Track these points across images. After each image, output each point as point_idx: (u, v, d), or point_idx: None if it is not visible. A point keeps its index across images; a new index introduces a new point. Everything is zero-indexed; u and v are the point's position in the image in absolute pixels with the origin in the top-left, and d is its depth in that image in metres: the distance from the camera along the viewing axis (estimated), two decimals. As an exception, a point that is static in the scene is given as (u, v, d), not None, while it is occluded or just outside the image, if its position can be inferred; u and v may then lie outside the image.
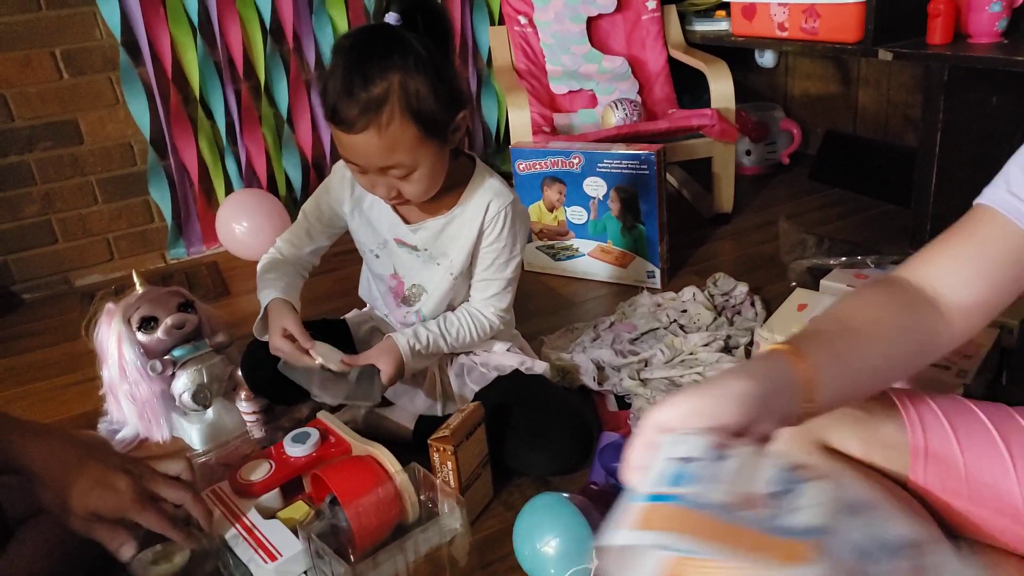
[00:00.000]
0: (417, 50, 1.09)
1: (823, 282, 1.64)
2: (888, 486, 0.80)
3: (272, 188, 2.43)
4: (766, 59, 2.48)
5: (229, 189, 2.39)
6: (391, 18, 1.11)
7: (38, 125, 2.15)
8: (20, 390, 1.77)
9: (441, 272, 1.31)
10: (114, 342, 1.44)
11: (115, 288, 1.53)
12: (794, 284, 1.71)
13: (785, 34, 2.08)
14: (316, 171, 2.50)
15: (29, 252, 2.25)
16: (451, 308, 1.35)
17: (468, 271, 1.32)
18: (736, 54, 2.32)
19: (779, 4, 2.06)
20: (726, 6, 2.34)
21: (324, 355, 1.24)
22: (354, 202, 1.32)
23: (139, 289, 1.51)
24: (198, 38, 2.20)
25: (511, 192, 1.27)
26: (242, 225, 2.26)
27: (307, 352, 1.23)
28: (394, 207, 1.28)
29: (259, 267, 1.36)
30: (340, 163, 1.30)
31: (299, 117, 2.41)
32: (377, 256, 1.35)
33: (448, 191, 1.25)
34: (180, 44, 2.20)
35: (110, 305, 1.49)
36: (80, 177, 2.24)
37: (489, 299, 1.31)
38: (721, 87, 2.11)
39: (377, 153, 1.11)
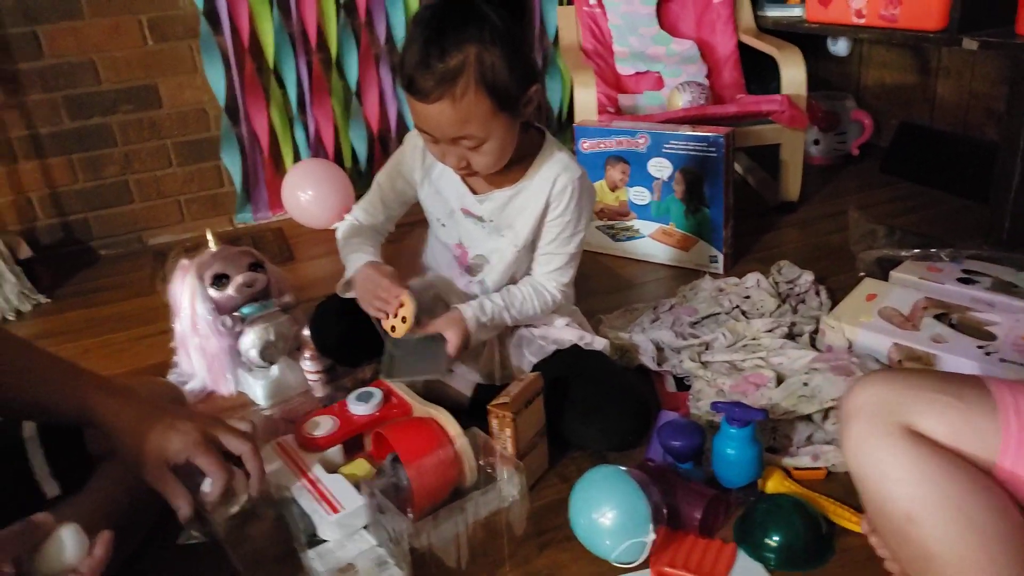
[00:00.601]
0: (494, 22, 1.09)
1: (893, 273, 1.61)
2: (971, 472, 0.80)
3: (338, 159, 2.47)
4: (839, 47, 2.42)
5: (296, 158, 2.44)
6: None
7: (122, 89, 2.23)
8: (98, 340, 1.85)
9: (505, 243, 1.32)
10: (187, 297, 1.49)
11: (189, 245, 1.59)
12: (862, 274, 1.68)
13: (862, 21, 2.03)
14: (381, 144, 2.53)
15: (108, 211, 2.34)
16: (513, 281, 1.36)
17: (532, 244, 1.33)
18: (808, 41, 2.27)
19: (859, -11, 2.01)
20: (802, -9, 2.29)
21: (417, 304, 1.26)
22: (424, 171, 1.34)
23: (212, 247, 1.56)
24: (275, 9, 2.24)
25: (579, 167, 1.28)
26: (307, 193, 2.31)
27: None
28: (462, 177, 1.30)
29: (340, 232, 1.39)
30: (413, 132, 1.32)
31: (367, 90, 2.44)
32: (444, 225, 1.36)
33: (516, 163, 1.26)
34: (257, 14, 2.24)
35: (184, 261, 1.54)
36: (157, 140, 2.32)
37: (551, 273, 1.32)
38: (793, 73, 2.07)
39: (450, 123, 1.12)
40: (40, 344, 1.04)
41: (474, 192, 1.31)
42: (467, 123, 1.12)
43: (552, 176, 1.26)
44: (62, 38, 2.14)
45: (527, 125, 1.27)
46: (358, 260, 1.31)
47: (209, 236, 1.58)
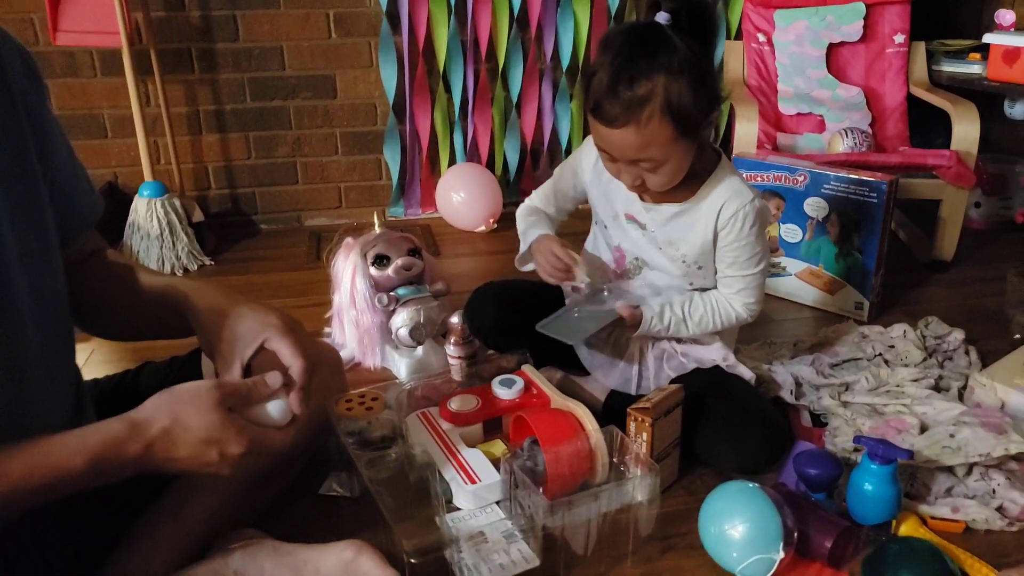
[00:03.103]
0: (683, 51, 1.12)
1: (1055, 342, 1.54)
2: None
3: (490, 166, 2.57)
4: (1016, 110, 2.32)
5: (452, 161, 2.55)
6: (662, 18, 1.14)
7: (303, 76, 2.40)
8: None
9: (664, 258, 1.35)
10: (349, 272, 1.60)
11: (355, 225, 1.69)
12: (1017, 336, 1.62)
13: (1050, 83, 1.96)
14: (532, 157, 2.61)
15: (274, 188, 2.51)
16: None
17: (705, 264, 1.34)
18: (981, 101, 2.20)
19: (1048, 51, 1.94)
20: (983, 49, 2.23)
21: (588, 272, 1.32)
22: (596, 173, 1.38)
23: (377, 229, 1.66)
24: (452, 17, 2.36)
25: (751, 191, 1.28)
26: (459, 195, 2.41)
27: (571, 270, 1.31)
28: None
29: (521, 211, 1.46)
30: (591, 137, 1.37)
31: (527, 103, 2.53)
32: (606, 227, 1.40)
33: (689, 181, 1.28)
34: (435, 20, 2.37)
35: (349, 239, 1.65)
36: (328, 128, 2.48)
37: (736, 294, 1.33)
38: (965, 129, 2.02)
39: (631, 148, 1.16)
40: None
41: (642, 199, 1.34)
42: (648, 148, 1.16)
43: (720, 202, 1.27)
44: (258, 24, 2.33)
45: (703, 145, 1.28)
46: (535, 233, 1.38)
47: (376, 218, 1.68)
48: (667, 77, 1.12)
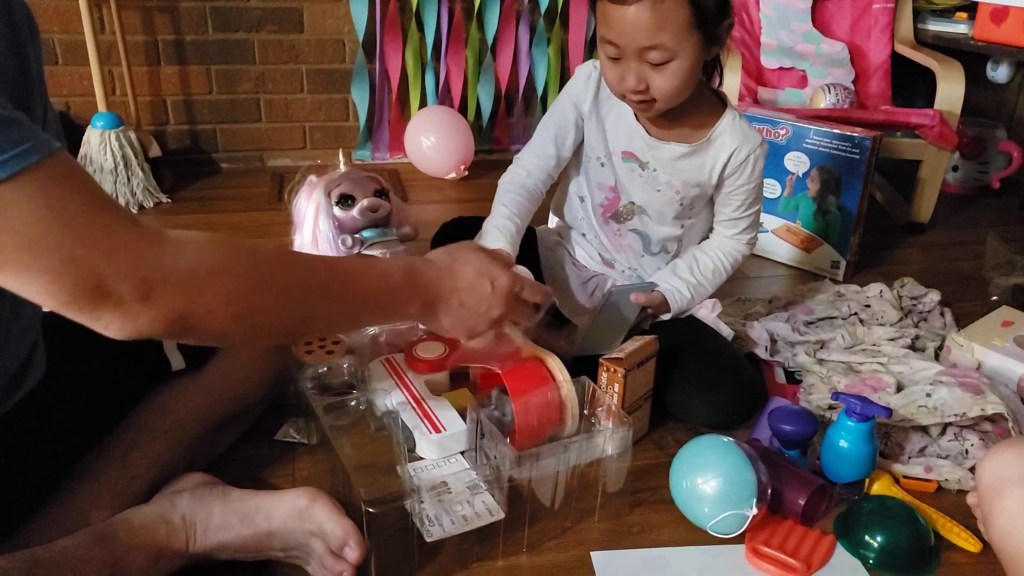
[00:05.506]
0: None
1: (1034, 305, 1.53)
2: None
3: (463, 110, 2.48)
4: (999, 73, 2.31)
5: (423, 103, 2.46)
6: None
7: (269, 8, 2.28)
8: (214, 242, 1.90)
9: (660, 200, 1.31)
10: (312, 212, 1.51)
11: (320, 164, 1.61)
12: (995, 298, 1.61)
13: (1037, 44, 1.92)
14: (507, 103, 2.53)
15: (235, 125, 2.40)
16: (682, 237, 1.37)
17: (699, 205, 1.33)
18: (962, 62, 2.16)
19: (1039, 10, 1.90)
20: (971, 8, 2.18)
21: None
22: (594, 104, 1.30)
23: (342, 168, 1.58)
24: (426, -50, 2.26)
25: (758, 134, 1.27)
26: (430, 140, 2.32)
27: None
28: (637, 116, 1.27)
29: (503, 182, 1.37)
30: (585, 64, 1.31)
31: (503, 46, 2.44)
32: (602, 165, 1.34)
33: (697, 122, 1.25)
34: (408, -47, 2.26)
35: (313, 178, 1.56)
36: (293, 64, 2.37)
37: (740, 233, 1.35)
38: (950, 89, 1.98)
39: (644, 29, 1.09)
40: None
41: (648, 133, 1.28)
42: (662, 30, 1.09)
43: (731, 147, 1.25)
44: (220, -50, 2.21)
45: (709, 68, 1.23)
46: (494, 238, 1.28)
47: (340, 156, 1.60)
48: None
